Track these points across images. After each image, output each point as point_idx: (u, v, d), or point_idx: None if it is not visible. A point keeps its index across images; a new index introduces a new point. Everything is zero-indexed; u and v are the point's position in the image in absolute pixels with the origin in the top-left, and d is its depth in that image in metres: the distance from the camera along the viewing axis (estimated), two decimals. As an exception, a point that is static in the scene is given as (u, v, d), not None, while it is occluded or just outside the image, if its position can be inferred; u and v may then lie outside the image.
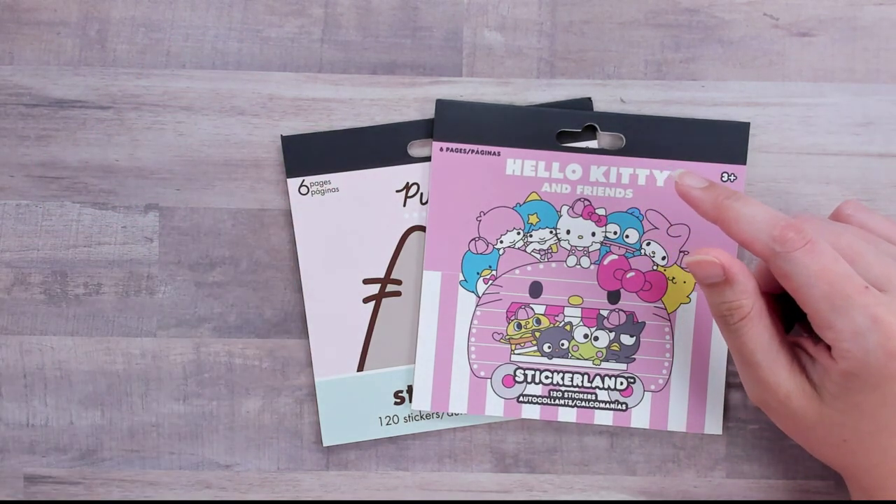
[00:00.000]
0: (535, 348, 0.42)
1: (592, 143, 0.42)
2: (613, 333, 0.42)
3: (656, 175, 0.42)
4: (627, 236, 0.42)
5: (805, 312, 0.35)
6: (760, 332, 0.35)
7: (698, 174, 0.37)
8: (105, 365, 0.43)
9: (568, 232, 0.42)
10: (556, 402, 0.42)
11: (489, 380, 0.42)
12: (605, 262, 0.42)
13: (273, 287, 0.43)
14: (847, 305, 0.33)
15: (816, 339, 0.36)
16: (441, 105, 0.42)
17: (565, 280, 0.42)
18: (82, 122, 0.43)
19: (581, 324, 0.42)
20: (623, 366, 0.42)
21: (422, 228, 0.43)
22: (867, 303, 0.33)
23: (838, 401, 0.34)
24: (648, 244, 0.42)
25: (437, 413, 0.43)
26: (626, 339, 0.42)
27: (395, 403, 0.43)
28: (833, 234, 0.35)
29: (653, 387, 0.42)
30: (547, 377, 0.42)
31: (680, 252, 0.42)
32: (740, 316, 0.35)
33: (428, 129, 0.43)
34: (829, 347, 0.35)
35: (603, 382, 0.42)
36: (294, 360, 0.43)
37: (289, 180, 0.43)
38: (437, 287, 0.42)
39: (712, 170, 0.42)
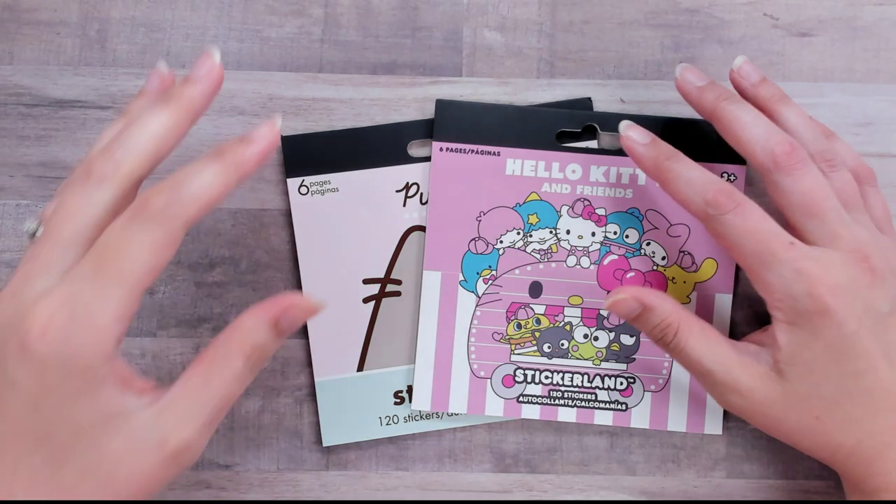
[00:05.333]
0: (535, 348, 0.42)
1: (592, 143, 0.42)
2: (613, 333, 0.42)
3: (656, 175, 0.42)
4: (627, 236, 0.42)
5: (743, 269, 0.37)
6: (698, 339, 0.37)
7: (641, 127, 0.38)
8: (105, 365, 0.43)
9: (568, 232, 0.42)
10: (556, 402, 0.42)
11: (489, 380, 0.42)
12: (605, 262, 0.42)
13: (273, 287, 0.43)
14: (774, 261, 0.35)
15: (758, 328, 0.39)
16: (441, 105, 0.42)
17: (565, 280, 0.42)
18: (82, 122, 0.43)
19: (581, 324, 0.42)
20: (623, 366, 0.42)
21: (422, 228, 0.43)
22: (792, 257, 0.35)
23: (793, 368, 0.36)
24: (648, 244, 0.42)
25: (436, 413, 0.43)
26: (626, 339, 0.42)
27: (395, 403, 0.43)
28: (814, 174, 0.36)
29: (652, 387, 0.42)
30: (547, 377, 0.42)
31: (680, 252, 0.42)
32: (673, 332, 0.37)
33: (428, 129, 0.43)
34: (769, 324, 0.37)
35: (603, 382, 0.42)
36: (294, 360, 0.43)
37: (288, 180, 0.43)
38: (437, 287, 0.42)
39: (712, 170, 0.42)
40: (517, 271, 0.42)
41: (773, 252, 0.35)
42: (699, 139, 0.42)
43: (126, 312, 0.28)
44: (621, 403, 0.42)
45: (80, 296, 0.28)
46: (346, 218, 0.43)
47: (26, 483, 0.28)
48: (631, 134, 0.38)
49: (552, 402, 0.42)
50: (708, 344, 0.37)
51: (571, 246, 0.42)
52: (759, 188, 0.43)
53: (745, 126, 0.37)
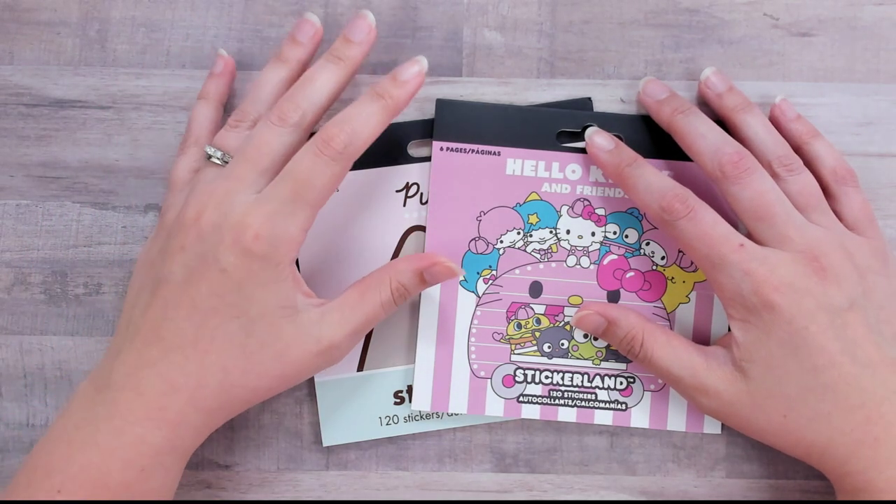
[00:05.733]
0: (535, 348, 0.42)
1: (592, 143, 0.42)
2: (613, 333, 0.42)
3: (656, 175, 0.42)
4: (627, 236, 0.42)
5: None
6: (664, 347, 0.39)
7: (607, 133, 0.41)
8: (105, 365, 0.43)
9: (568, 232, 0.42)
10: (556, 401, 0.42)
11: (489, 380, 0.42)
12: (605, 262, 0.42)
13: (273, 287, 0.43)
14: (723, 263, 0.37)
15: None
16: (441, 105, 0.42)
17: (565, 280, 0.42)
18: (82, 122, 0.43)
19: (581, 323, 0.42)
20: (623, 365, 0.42)
21: (422, 228, 0.43)
22: (741, 259, 0.37)
23: (752, 365, 0.37)
24: (648, 244, 0.42)
25: (437, 413, 0.43)
26: (626, 339, 0.42)
27: (395, 403, 0.43)
28: (761, 180, 0.38)
29: (652, 386, 0.42)
30: (547, 377, 0.42)
31: (679, 252, 0.42)
32: (639, 342, 0.39)
33: (428, 129, 0.43)
34: (728, 319, 0.39)
35: (602, 382, 0.42)
36: (294, 360, 0.43)
37: (289, 180, 0.43)
38: (437, 287, 0.42)
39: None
40: (517, 271, 0.42)
41: (722, 255, 0.37)
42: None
43: (308, 225, 0.37)
44: (621, 403, 0.42)
45: (280, 212, 0.36)
46: (346, 218, 0.43)
47: (222, 343, 0.36)
48: (596, 140, 0.41)
49: (552, 401, 0.42)
50: (674, 351, 0.39)
51: (571, 246, 0.42)
52: (759, 188, 0.43)
53: (696, 138, 0.39)
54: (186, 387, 0.36)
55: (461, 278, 0.42)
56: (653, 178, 0.39)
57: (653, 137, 0.42)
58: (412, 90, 0.38)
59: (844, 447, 0.37)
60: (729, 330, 0.39)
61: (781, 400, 0.37)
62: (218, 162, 0.39)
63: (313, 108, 0.38)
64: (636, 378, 0.42)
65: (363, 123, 0.37)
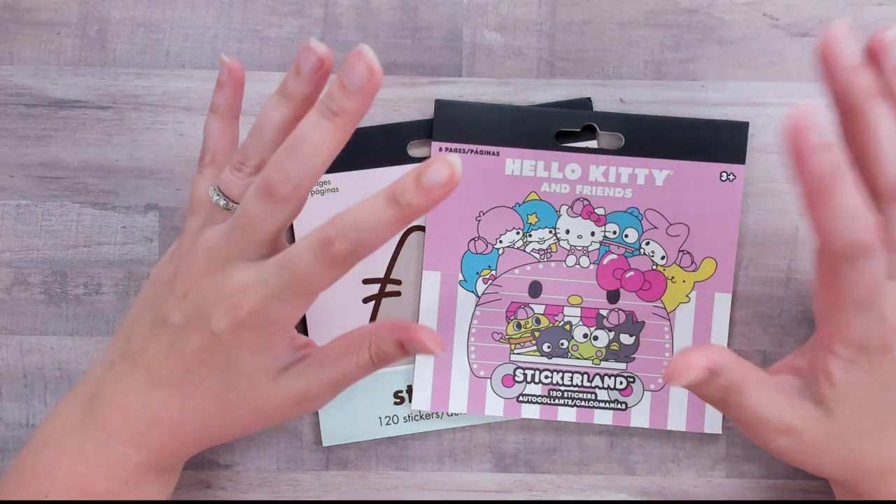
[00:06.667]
0: (535, 348, 0.42)
1: (592, 143, 0.42)
2: (613, 333, 0.42)
3: (655, 174, 0.42)
4: (627, 236, 0.42)
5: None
6: (757, 391, 0.35)
7: (820, 117, 0.31)
8: (105, 365, 0.43)
9: (567, 231, 0.42)
10: (556, 401, 0.42)
11: (489, 379, 0.42)
12: (605, 262, 0.42)
13: (273, 287, 0.43)
14: (871, 307, 0.32)
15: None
16: (440, 105, 0.42)
17: (565, 280, 0.42)
18: (82, 122, 0.43)
19: (580, 323, 0.42)
20: (623, 365, 0.42)
21: (421, 228, 0.43)
22: (884, 304, 0.32)
23: (843, 405, 0.34)
24: (648, 244, 0.42)
25: (436, 413, 0.43)
26: (626, 339, 0.42)
27: (395, 403, 0.43)
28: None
29: (652, 386, 0.42)
30: (546, 377, 0.42)
31: (679, 251, 0.42)
32: (738, 390, 0.34)
33: (428, 129, 0.43)
34: (800, 347, 0.36)
35: (602, 382, 0.42)
36: (294, 360, 0.43)
37: (288, 180, 0.43)
38: (437, 287, 0.42)
39: (711, 169, 0.42)
40: (517, 271, 0.42)
41: (874, 298, 0.32)
42: (698, 139, 0.42)
43: (307, 308, 0.36)
44: (621, 403, 0.42)
45: (277, 297, 0.34)
46: (346, 218, 0.43)
47: (205, 391, 0.37)
48: (801, 124, 0.31)
49: (552, 401, 0.42)
50: (767, 394, 0.35)
51: (571, 245, 0.42)
52: (760, 187, 0.43)
53: (884, 139, 0.32)
54: (169, 421, 0.37)
55: (442, 353, 0.38)
56: (851, 200, 0.30)
57: (652, 137, 0.42)
58: (438, 199, 0.32)
59: (890, 462, 0.35)
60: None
61: (855, 437, 0.35)
62: (223, 207, 0.37)
63: (306, 178, 0.34)
64: (636, 378, 0.42)
65: (373, 233, 0.33)
